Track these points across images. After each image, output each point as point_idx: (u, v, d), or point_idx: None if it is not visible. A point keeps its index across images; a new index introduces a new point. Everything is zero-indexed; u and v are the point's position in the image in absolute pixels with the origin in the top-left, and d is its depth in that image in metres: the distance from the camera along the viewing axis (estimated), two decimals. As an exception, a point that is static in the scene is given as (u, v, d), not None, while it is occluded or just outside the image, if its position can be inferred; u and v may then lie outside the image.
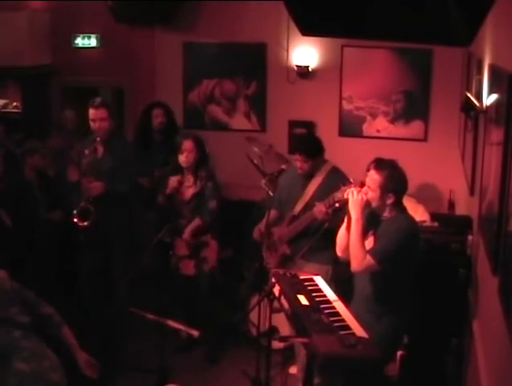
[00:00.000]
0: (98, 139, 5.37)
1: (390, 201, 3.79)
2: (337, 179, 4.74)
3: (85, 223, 5.28)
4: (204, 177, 5.44)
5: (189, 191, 5.44)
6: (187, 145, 5.37)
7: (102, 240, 5.46)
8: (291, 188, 5.04)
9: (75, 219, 5.26)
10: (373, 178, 3.80)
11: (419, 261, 3.93)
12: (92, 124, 5.35)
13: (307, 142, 5.09)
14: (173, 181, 5.38)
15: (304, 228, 4.85)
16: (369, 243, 3.89)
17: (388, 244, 3.76)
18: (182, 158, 5.38)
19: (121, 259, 5.51)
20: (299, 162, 4.91)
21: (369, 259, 3.74)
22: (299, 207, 4.96)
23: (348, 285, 4.16)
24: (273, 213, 5.18)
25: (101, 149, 5.44)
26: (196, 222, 5.45)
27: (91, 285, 5.56)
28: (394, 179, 3.78)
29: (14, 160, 5.54)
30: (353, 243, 3.81)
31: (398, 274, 3.81)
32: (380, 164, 3.83)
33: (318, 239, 4.61)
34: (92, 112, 5.33)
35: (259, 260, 5.20)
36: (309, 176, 4.96)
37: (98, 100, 5.42)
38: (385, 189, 3.77)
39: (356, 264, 3.80)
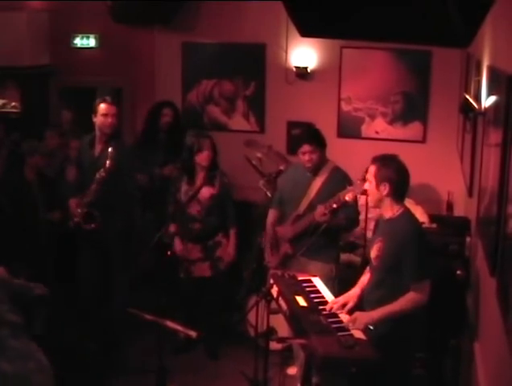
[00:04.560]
0: (98, 135, 5.34)
1: (385, 191, 3.76)
2: (340, 178, 4.80)
3: (93, 226, 5.28)
4: (218, 176, 5.46)
5: (205, 192, 5.40)
6: (208, 144, 5.41)
7: (101, 243, 5.43)
8: (294, 187, 5.03)
9: (80, 224, 5.28)
10: (371, 169, 3.84)
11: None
12: (103, 119, 5.28)
13: (311, 132, 5.11)
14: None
15: (306, 228, 4.84)
16: (375, 250, 3.87)
17: (393, 248, 3.76)
18: (202, 157, 5.37)
19: (121, 263, 5.48)
20: (307, 155, 4.87)
21: (412, 294, 3.71)
22: (303, 207, 4.94)
23: (350, 284, 4.16)
24: (273, 212, 5.18)
25: (99, 148, 5.42)
26: (233, 235, 5.51)
27: (90, 287, 5.55)
28: (388, 168, 3.77)
29: (15, 160, 5.55)
30: (395, 312, 3.75)
31: (400, 274, 3.78)
32: (376, 157, 3.86)
33: (323, 237, 4.62)
34: (105, 106, 5.29)
35: (257, 260, 5.21)
36: (312, 175, 4.95)
37: (109, 97, 5.41)
38: (379, 178, 3.77)
39: (419, 301, 3.75)
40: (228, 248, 5.51)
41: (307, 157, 4.88)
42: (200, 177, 5.43)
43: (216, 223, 5.50)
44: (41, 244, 5.53)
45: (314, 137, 4.97)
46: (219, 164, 5.61)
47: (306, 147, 4.87)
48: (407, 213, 3.86)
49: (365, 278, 4.06)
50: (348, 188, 4.50)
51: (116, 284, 5.46)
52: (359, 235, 5.47)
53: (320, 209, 4.65)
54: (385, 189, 3.77)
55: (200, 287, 5.53)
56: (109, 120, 5.30)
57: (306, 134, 5.14)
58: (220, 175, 5.51)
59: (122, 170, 5.33)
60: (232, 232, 5.53)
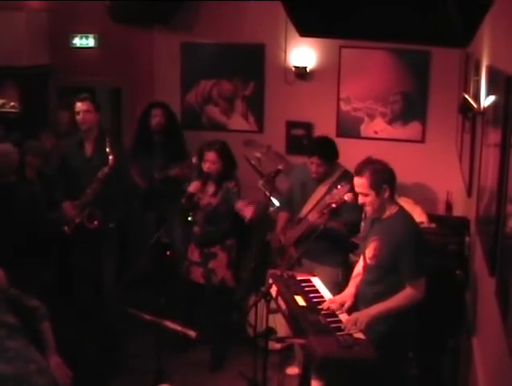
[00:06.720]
0: (84, 134, 5.35)
1: (386, 194, 3.78)
2: (346, 182, 4.77)
3: (95, 223, 5.28)
4: (223, 191, 5.30)
5: (207, 199, 5.33)
6: (210, 156, 5.24)
7: (91, 240, 5.42)
8: (301, 189, 5.03)
9: (84, 223, 5.28)
10: (360, 183, 3.81)
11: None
12: (77, 117, 5.32)
13: (325, 146, 5.01)
14: (194, 184, 5.27)
15: (305, 232, 4.81)
16: (371, 249, 3.87)
17: (391, 247, 3.76)
18: (204, 167, 5.27)
19: (111, 260, 5.48)
20: (314, 166, 4.87)
21: (408, 290, 3.74)
22: (306, 210, 4.93)
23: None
24: (283, 215, 5.18)
25: (90, 148, 5.41)
26: (228, 249, 5.40)
27: (85, 286, 5.55)
28: (379, 171, 3.78)
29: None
30: (392, 309, 3.78)
31: (397, 272, 3.79)
32: (358, 169, 3.84)
33: (327, 241, 4.61)
34: (77, 104, 5.32)
35: (256, 260, 5.20)
36: (321, 179, 4.95)
37: (84, 94, 5.42)
38: (376, 185, 3.77)
39: (415, 297, 3.77)
40: (221, 262, 5.39)
41: (314, 168, 4.88)
42: (208, 184, 5.34)
43: (214, 234, 5.38)
44: (42, 243, 5.52)
45: (327, 151, 4.92)
46: (234, 174, 5.40)
47: (315, 159, 4.86)
48: (403, 212, 3.87)
49: (357, 277, 4.06)
50: (335, 190, 4.47)
51: (105, 273, 5.46)
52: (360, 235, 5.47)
53: (315, 212, 4.66)
54: (386, 192, 3.78)
55: (196, 291, 5.52)
56: (81, 116, 5.31)
57: (320, 147, 4.99)
58: (228, 190, 5.30)
59: (119, 165, 5.35)
60: (227, 245, 5.41)
